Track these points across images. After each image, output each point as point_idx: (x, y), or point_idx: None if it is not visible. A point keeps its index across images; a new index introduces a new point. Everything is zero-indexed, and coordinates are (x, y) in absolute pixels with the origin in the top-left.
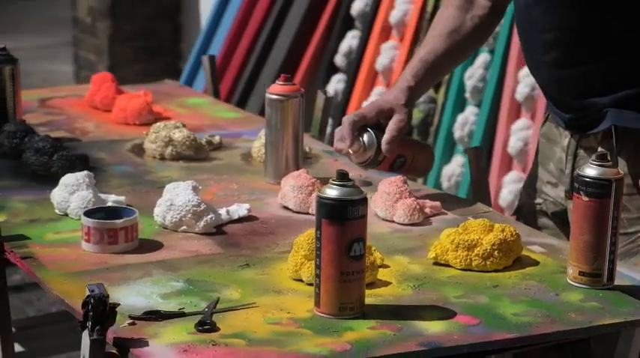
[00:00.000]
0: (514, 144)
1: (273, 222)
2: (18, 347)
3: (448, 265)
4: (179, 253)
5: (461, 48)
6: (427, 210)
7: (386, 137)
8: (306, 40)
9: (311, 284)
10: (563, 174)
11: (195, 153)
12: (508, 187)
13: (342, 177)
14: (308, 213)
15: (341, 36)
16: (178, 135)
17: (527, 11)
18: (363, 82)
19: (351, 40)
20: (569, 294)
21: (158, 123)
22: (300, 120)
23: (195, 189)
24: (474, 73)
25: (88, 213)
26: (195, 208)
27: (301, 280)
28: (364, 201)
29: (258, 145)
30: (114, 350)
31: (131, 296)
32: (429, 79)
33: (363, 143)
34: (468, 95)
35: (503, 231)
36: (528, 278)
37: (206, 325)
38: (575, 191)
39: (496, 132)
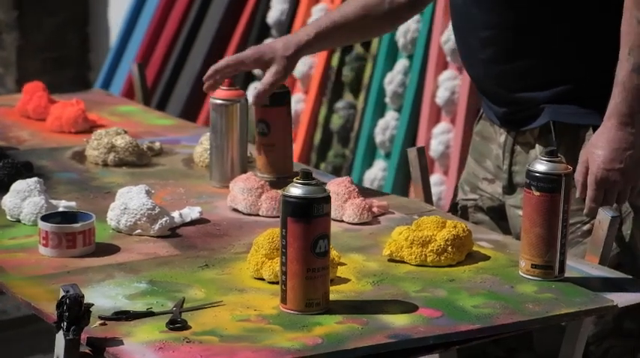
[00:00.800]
0: (435, 148)
1: (224, 224)
2: None
3: (403, 261)
4: (137, 256)
5: (370, 24)
6: (375, 210)
7: (257, 89)
8: (222, 47)
9: (272, 283)
10: (500, 171)
11: (138, 159)
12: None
13: (306, 176)
14: (258, 215)
15: (257, 44)
16: (121, 141)
17: (465, 10)
18: None
19: None
20: (523, 286)
21: (99, 131)
22: (244, 124)
23: (148, 193)
24: (393, 79)
25: (45, 218)
26: (149, 211)
27: (262, 279)
28: (328, 199)
29: (200, 150)
30: (87, 350)
31: (97, 298)
32: (329, 41)
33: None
34: (388, 100)
35: (455, 227)
36: (482, 273)
37: (177, 323)
38: (526, 186)
39: (417, 136)
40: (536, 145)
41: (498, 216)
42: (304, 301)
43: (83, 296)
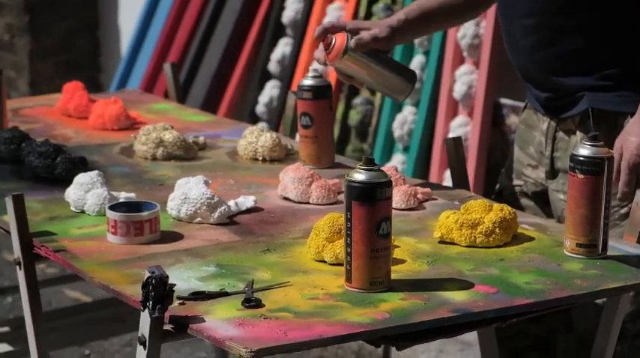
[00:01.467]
0: None
1: (278, 211)
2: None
3: (453, 243)
4: (201, 242)
5: (454, 11)
6: (419, 196)
7: (359, 36)
8: (238, 48)
9: (333, 264)
10: (543, 156)
11: (185, 153)
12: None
13: (369, 162)
14: (308, 203)
15: (273, 44)
16: (169, 136)
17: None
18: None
19: (283, 47)
20: (569, 264)
21: (147, 126)
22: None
23: (206, 183)
24: None
25: (113, 208)
26: (209, 200)
27: (324, 261)
28: (390, 183)
29: (244, 143)
30: (169, 328)
31: (172, 281)
32: (418, 25)
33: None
34: None
35: (502, 210)
36: (529, 252)
37: (252, 302)
38: (571, 169)
39: (435, 129)
40: (577, 131)
41: (542, 201)
42: (369, 280)
43: (168, 277)
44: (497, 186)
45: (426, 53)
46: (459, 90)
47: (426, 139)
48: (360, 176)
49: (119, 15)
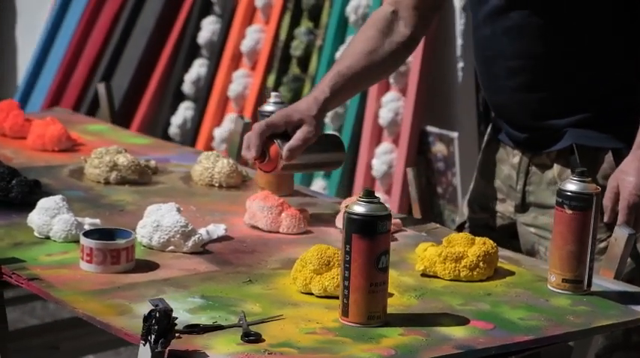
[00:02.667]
0: (378, 168)
1: (249, 241)
2: None
3: (436, 276)
4: (178, 271)
5: (376, 69)
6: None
7: (290, 144)
8: (150, 68)
9: (322, 297)
10: (512, 190)
11: (140, 178)
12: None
13: (369, 194)
14: (278, 232)
15: (187, 64)
16: (123, 159)
17: (493, 40)
18: (214, 109)
19: (198, 68)
20: (557, 300)
21: (99, 149)
22: None
23: (178, 210)
24: None
25: (86, 235)
26: (183, 228)
27: (310, 293)
28: (390, 216)
29: (200, 169)
30: None
31: None
32: (344, 94)
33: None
34: (327, 120)
35: (484, 243)
36: (513, 287)
37: (251, 336)
38: (559, 205)
39: (359, 155)
40: (554, 165)
41: (509, 235)
42: (366, 314)
43: (172, 310)
44: (458, 218)
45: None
46: (384, 116)
47: (349, 165)
48: (360, 208)
49: (16, 28)
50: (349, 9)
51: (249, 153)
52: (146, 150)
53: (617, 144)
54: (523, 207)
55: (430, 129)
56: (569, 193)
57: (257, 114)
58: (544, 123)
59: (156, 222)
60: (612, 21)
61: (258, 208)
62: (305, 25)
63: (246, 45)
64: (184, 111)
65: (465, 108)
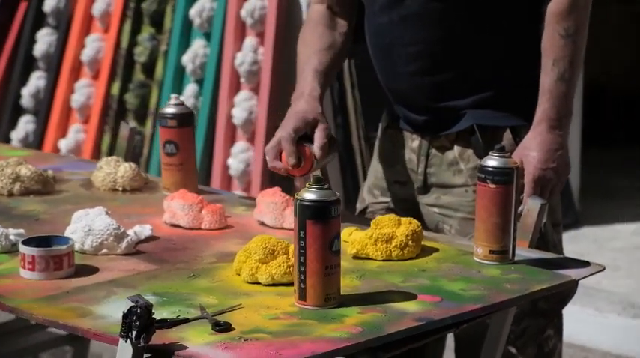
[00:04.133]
0: (236, 166)
1: (175, 238)
2: None
3: (368, 258)
4: (120, 273)
5: (337, 61)
6: None
7: (319, 143)
8: None
9: (269, 285)
10: (414, 173)
11: (43, 188)
12: None
13: (319, 181)
14: (200, 229)
15: (24, 77)
16: (25, 171)
17: (391, 28)
18: (57, 120)
19: (37, 80)
20: (488, 270)
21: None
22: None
23: (107, 213)
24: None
25: (26, 244)
26: (115, 231)
27: (257, 283)
28: (339, 201)
29: (102, 174)
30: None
31: (120, 312)
32: (325, 87)
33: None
34: None
35: (410, 223)
36: (442, 262)
37: (221, 325)
38: (481, 180)
39: (214, 155)
40: (455, 147)
41: (412, 216)
42: (323, 296)
43: (152, 305)
44: (358, 204)
45: (199, 81)
46: (238, 116)
47: (205, 164)
48: (311, 195)
49: None
50: (193, 13)
51: (277, 163)
52: (32, 161)
53: (515, 121)
54: (425, 188)
55: None
56: (490, 168)
57: (101, 123)
58: (443, 105)
59: (87, 226)
60: (511, 5)
61: (179, 207)
62: (147, 31)
63: (86, 54)
64: (25, 125)
65: None
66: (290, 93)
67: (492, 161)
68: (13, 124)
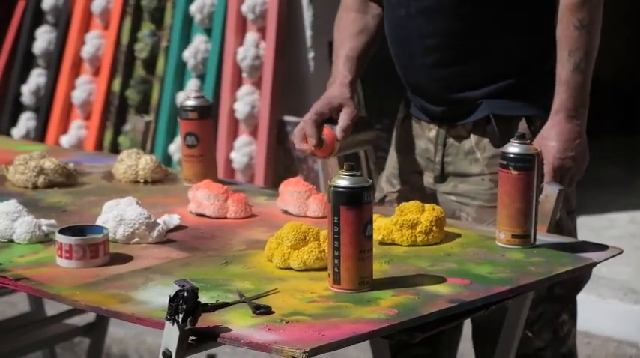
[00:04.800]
0: (239, 160)
1: (203, 228)
2: None
3: (394, 243)
4: (154, 260)
5: (370, 44)
6: None
7: (342, 125)
8: None
9: (301, 270)
10: (431, 162)
11: (67, 180)
12: None
13: (352, 168)
14: (226, 218)
15: (24, 75)
16: (49, 163)
17: (409, 20)
18: (58, 117)
19: (37, 78)
20: (511, 254)
21: (22, 155)
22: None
23: (138, 203)
24: None
25: (63, 233)
26: (147, 220)
27: (289, 268)
28: (372, 187)
29: (123, 167)
30: (190, 340)
31: (160, 297)
32: (357, 72)
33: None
34: None
35: (434, 209)
36: (466, 247)
37: (262, 308)
38: (504, 167)
39: (217, 149)
40: (471, 136)
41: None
42: (358, 280)
43: (198, 289)
44: (377, 193)
45: (200, 77)
46: (241, 110)
47: None
48: (345, 182)
49: None
50: (194, 9)
51: (304, 145)
52: (50, 155)
53: (530, 111)
54: (442, 177)
55: (287, 118)
56: (512, 155)
57: (103, 119)
58: (460, 95)
59: (119, 216)
60: None
61: (204, 197)
62: (147, 27)
63: (86, 51)
64: (26, 122)
65: (318, 96)
66: (292, 86)
67: (514, 148)
68: (13, 121)
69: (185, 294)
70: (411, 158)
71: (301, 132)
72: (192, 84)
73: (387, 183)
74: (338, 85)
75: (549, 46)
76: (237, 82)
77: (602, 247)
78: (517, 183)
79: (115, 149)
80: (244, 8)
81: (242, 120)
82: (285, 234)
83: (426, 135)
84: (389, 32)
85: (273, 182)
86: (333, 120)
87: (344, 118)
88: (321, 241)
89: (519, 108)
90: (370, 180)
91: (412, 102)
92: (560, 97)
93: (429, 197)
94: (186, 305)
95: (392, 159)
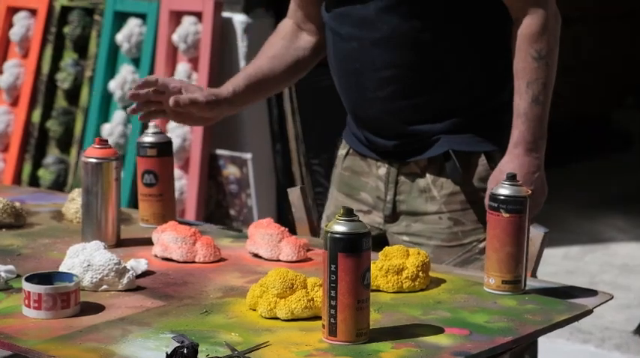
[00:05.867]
0: None
1: (172, 273)
2: None
3: (379, 290)
4: (128, 310)
5: (280, 72)
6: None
7: (175, 98)
8: None
9: (288, 320)
10: (380, 201)
11: (16, 221)
12: None
13: (349, 213)
14: (194, 262)
15: None
16: None
17: (361, 52)
18: None
19: None
20: (504, 301)
21: None
22: (117, 182)
23: (105, 248)
24: (113, 130)
25: (30, 281)
26: (117, 266)
27: (275, 318)
28: (370, 233)
29: (75, 207)
30: None
31: (144, 351)
32: (249, 93)
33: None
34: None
35: (419, 253)
36: (454, 293)
37: None
38: (494, 209)
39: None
40: (427, 174)
41: (377, 245)
42: (355, 331)
43: (198, 345)
44: (321, 236)
45: (126, 108)
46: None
47: (133, 192)
48: (342, 228)
49: None
50: (121, 37)
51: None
52: None
53: (489, 147)
54: (393, 216)
55: (220, 152)
56: (503, 197)
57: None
58: (415, 129)
59: (86, 261)
60: (482, 25)
61: (171, 240)
62: (70, 56)
63: (4, 81)
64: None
65: (256, 128)
66: (224, 119)
67: (505, 189)
68: None
69: (185, 351)
70: (357, 197)
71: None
72: (118, 116)
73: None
74: (211, 89)
75: (503, 79)
76: None
77: (592, 292)
78: (508, 227)
79: (35, 182)
80: (175, 37)
81: (173, 153)
82: (270, 282)
83: (374, 173)
84: (336, 64)
85: (205, 218)
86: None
87: (184, 96)
88: (308, 289)
89: (479, 144)
90: (367, 225)
91: (356, 138)
92: (519, 129)
93: (377, 237)
94: None
95: (334, 199)
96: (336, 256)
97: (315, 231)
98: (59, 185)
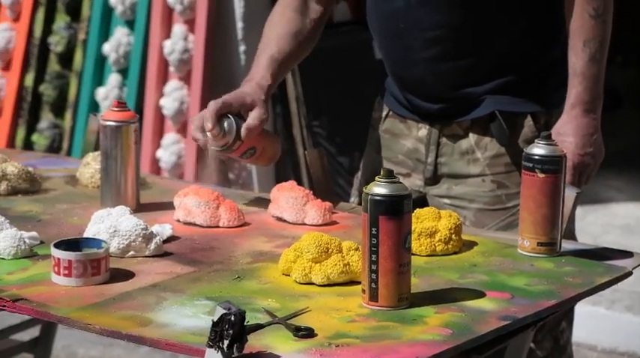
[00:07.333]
0: (167, 159)
1: (197, 238)
2: None
3: (413, 253)
4: (159, 276)
5: (302, 48)
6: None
7: (248, 124)
8: None
9: (324, 285)
10: (420, 163)
11: (31, 186)
12: None
13: (390, 174)
14: (218, 226)
15: None
16: (12, 169)
17: (408, 12)
18: None
19: None
20: (540, 263)
21: None
22: (137, 145)
23: (131, 213)
24: (108, 94)
25: (59, 247)
26: (144, 231)
27: (310, 283)
28: (411, 195)
29: (90, 171)
30: None
31: (181, 318)
32: (279, 77)
33: (223, 128)
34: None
35: (450, 216)
36: (488, 256)
37: (302, 330)
38: (528, 169)
39: (142, 146)
40: (470, 134)
41: (415, 207)
42: (397, 296)
43: (245, 312)
44: (353, 198)
45: (122, 71)
46: (169, 106)
47: None
48: (383, 189)
49: None
50: (114, 0)
51: (198, 134)
52: None
53: (534, 107)
54: (434, 179)
55: None
56: (538, 157)
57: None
58: (461, 92)
59: (112, 227)
60: None
61: (194, 204)
62: (62, 19)
63: None
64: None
65: None
66: (222, 82)
67: (540, 149)
68: None
69: (232, 318)
70: (395, 159)
71: (201, 119)
72: (113, 79)
73: (366, 185)
74: (254, 85)
75: (551, 37)
76: (164, 77)
77: (627, 254)
78: (544, 187)
79: (30, 147)
80: None
81: (170, 117)
82: (305, 246)
83: (414, 135)
84: (379, 25)
85: (203, 182)
86: (240, 117)
87: (254, 117)
88: (344, 253)
89: (524, 104)
90: (408, 187)
91: (396, 100)
92: (577, 89)
93: (416, 200)
94: (232, 331)
95: (371, 161)
96: (377, 219)
97: (331, 193)
98: (54, 150)
